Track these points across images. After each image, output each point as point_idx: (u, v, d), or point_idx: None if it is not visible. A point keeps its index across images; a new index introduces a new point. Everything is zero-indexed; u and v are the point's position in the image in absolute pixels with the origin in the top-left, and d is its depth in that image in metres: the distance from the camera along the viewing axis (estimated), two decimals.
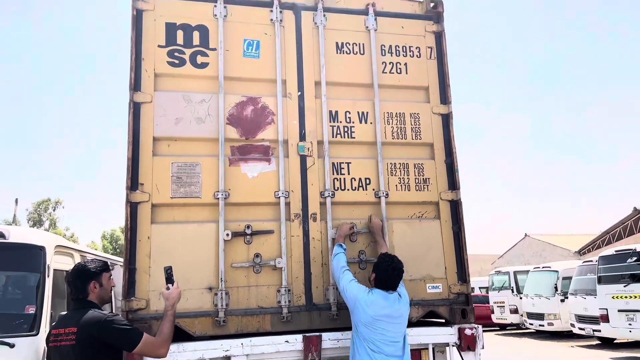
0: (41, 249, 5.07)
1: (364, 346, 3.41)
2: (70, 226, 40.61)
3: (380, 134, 4.14)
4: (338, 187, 3.99)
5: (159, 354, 2.93)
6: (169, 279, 3.21)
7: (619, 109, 73.25)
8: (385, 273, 3.52)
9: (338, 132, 4.09)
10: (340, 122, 4.12)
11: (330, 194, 3.94)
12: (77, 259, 6.02)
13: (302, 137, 4.00)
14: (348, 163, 4.06)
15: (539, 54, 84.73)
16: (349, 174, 4.04)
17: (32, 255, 5.01)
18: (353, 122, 4.14)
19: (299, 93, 4.07)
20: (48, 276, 4.97)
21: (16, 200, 30.29)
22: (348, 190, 4.02)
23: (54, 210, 41.00)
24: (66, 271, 5.69)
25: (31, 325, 4.70)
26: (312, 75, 4.13)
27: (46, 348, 3.11)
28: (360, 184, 4.05)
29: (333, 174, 4.00)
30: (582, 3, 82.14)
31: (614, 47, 75.66)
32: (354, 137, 4.12)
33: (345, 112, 4.14)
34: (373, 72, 4.24)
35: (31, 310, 4.76)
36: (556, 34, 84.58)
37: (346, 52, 4.26)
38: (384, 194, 4.04)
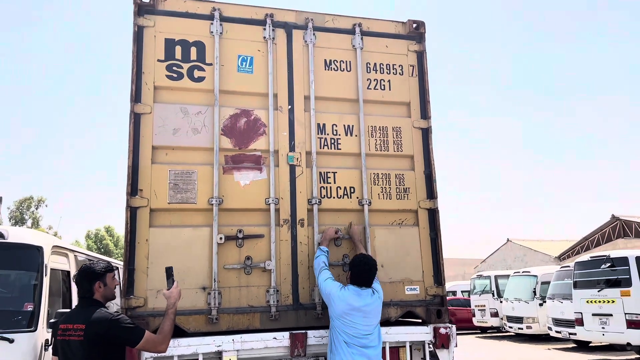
0: (39, 249, 5.27)
1: (339, 338, 3.70)
2: (53, 225, 40.20)
3: (364, 146, 4.44)
4: (324, 195, 4.29)
5: (159, 349, 3.24)
6: (170, 278, 3.47)
7: (599, 116, 74.64)
8: (358, 269, 3.82)
9: (325, 143, 4.39)
10: (328, 134, 4.41)
11: (317, 202, 4.23)
12: (72, 259, 6.24)
13: (292, 148, 4.28)
14: (334, 173, 4.35)
15: (521, 60, 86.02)
16: (334, 182, 4.33)
17: (30, 255, 5.21)
18: (339, 135, 4.43)
19: (290, 107, 4.35)
20: (45, 275, 5.18)
21: (0, 199, 30.06)
22: (334, 198, 4.31)
23: (36, 208, 40.74)
24: (64, 271, 5.90)
25: (29, 322, 4.90)
26: (302, 90, 4.41)
27: (53, 340, 3.39)
28: (345, 193, 4.34)
29: (320, 183, 4.29)
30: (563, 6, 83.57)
31: (595, 55, 77.12)
32: (340, 149, 4.41)
33: (332, 125, 4.44)
34: (359, 88, 4.54)
35: (29, 307, 4.96)
36: (531, 39, 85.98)
37: (334, 68, 4.56)
38: (367, 202, 4.34)
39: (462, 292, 23.40)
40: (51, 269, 5.38)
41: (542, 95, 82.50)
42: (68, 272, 6.01)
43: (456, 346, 4.22)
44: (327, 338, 3.94)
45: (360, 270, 3.82)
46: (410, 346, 4.14)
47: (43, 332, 5.00)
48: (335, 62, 4.58)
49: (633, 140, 72.30)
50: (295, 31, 4.52)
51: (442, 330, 4.15)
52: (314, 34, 4.53)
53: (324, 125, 4.42)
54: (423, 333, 4.16)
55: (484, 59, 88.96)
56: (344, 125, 4.46)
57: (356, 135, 4.46)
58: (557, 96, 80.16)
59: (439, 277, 4.41)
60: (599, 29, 79.59)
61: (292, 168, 4.26)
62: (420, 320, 4.32)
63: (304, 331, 3.89)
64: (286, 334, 3.84)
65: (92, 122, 70.30)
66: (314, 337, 3.91)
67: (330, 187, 4.32)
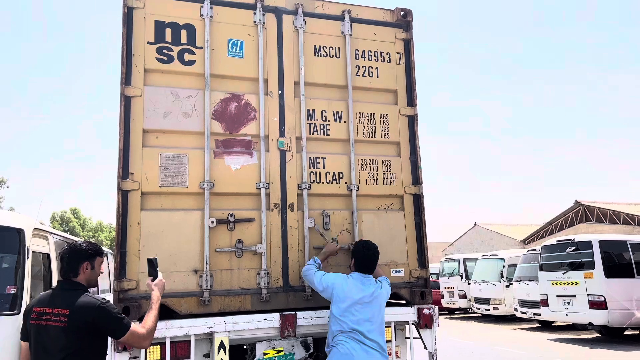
0: (20, 232, 5.21)
1: (344, 330, 3.69)
2: (15, 206, 39.13)
3: (353, 132, 4.52)
4: (314, 180, 4.36)
5: (143, 345, 3.06)
6: (153, 270, 3.40)
7: (566, 100, 76.63)
8: (362, 254, 3.91)
9: (315, 129, 4.45)
10: (317, 120, 4.47)
11: (307, 186, 4.31)
12: (52, 242, 6.16)
13: (282, 133, 4.33)
14: (323, 158, 4.43)
15: (495, 45, 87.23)
16: (324, 168, 4.41)
17: (11, 238, 5.14)
18: (328, 121, 4.50)
19: (280, 92, 4.39)
20: (27, 258, 5.13)
21: None
22: (323, 183, 4.39)
23: None
24: (44, 254, 5.83)
25: (12, 305, 4.86)
26: (291, 75, 4.45)
27: (22, 324, 3.07)
28: (334, 178, 4.43)
29: (309, 168, 4.36)
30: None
31: (562, 40, 78.82)
32: (329, 135, 4.49)
33: (322, 111, 4.50)
34: (348, 74, 4.60)
35: (12, 290, 4.92)
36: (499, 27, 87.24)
37: (323, 55, 4.61)
38: (355, 187, 4.44)
39: (431, 274, 23.93)
40: (32, 251, 5.32)
41: (513, 79, 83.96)
42: (48, 255, 5.95)
43: (438, 326, 4.41)
44: (315, 319, 4.05)
45: (365, 255, 3.90)
46: (395, 326, 4.30)
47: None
48: (324, 48, 4.62)
49: (597, 129, 74.63)
50: (285, 16, 4.53)
51: (426, 311, 4.32)
52: (303, 20, 4.56)
53: (313, 111, 4.47)
54: (407, 314, 4.32)
55: (458, 46, 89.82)
56: (333, 112, 4.53)
57: (345, 122, 4.54)
58: (528, 80, 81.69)
59: (423, 260, 4.57)
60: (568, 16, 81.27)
61: (283, 153, 4.31)
62: (404, 302, 4.47)
63: (293, 312, 3.99)
64: (277, 315, 3.93)
65: (56, 101, 68.21)
66: (303, 318, 4.01)
67: (320, 172, 4.40)
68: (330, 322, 3.82)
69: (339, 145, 4.52)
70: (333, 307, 3.81)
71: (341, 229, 4.38)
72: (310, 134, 4.42)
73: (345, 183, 4.45)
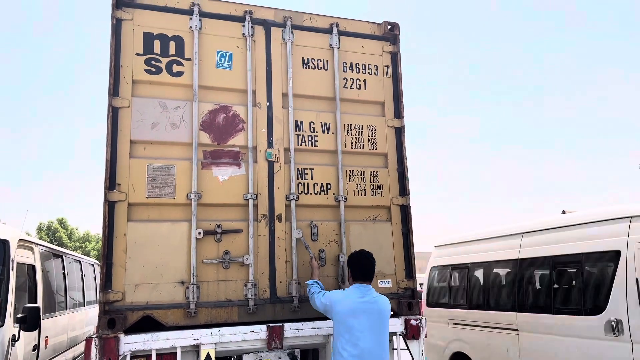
0: (5, 243, 5.17)
1: (346, 342, 3.63)
2: (0, 217, 38.63)
3: (340, 143, 4.55)
4: (302, 191, 4.38)
5: None
6: None
7: (553, 112, 77.54)
8: (359, 261, 3.89)
9: (303, 140, 4.47)
10: (305, 131, 4.50)
11: (295, 197, 4.32)
12: (37, 253, 6.10)
13: (270, 144, 4.35)
14: (311, 169, 4.44)
15: (482, 56, 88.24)
16: (312, 179, 4.43)
17: None
18: (316, 132, 4.53)
19: (268, 103, 4.41)
20: (12, 269, 5.08)
21: None
22: (311, 194, 4.40)
23: None
24: (29, 265, 5.78)
25: None
26: (280, 87, 4.48)
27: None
28: (322, 189, 4.45)
29: (297, 179, 4.38)
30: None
31: (546, 54, 79.92)
32: (317, 146, 4.51)
33: (310, 123, 4.52)
34: (335, 86, 4.64)
35: None
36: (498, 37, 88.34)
37: (311, 67, 4.64)
38: (343, 198, 4.46)
39: (420, 284, 23.95)
40: (17, 262, 5.27)
41: (503, 89, 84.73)
42: (33, 266, 5.89)
43: (426, 337, 4.41)
44: (303, 330, 4.05)
45: (361, 263, 3.87)
46: None
47: (10, 327, 4.91)
48: (312, 60, 4.66)
49: (581, 142, 75.54)
50: (273, 29, 4.57)
51: (413, 322, 4.33)
52: (292, 32, 4.60)
53: (301, 122, 4.50)
54: (395, 325, 4.31)
55: (445, 59, 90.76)
56: (321, 123, 4.56)
57: (333, 133, 4.57)
58: (516, 91, 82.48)
59: (410, 270, 4.58)
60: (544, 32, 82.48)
61: (271, 164, 4.33)
62: (391, 313, 4.47)
63: (281, 324, 3.98)
64: (264, 327, 3.92)
65: (40, 112, 67.80)
66: (290, 329, 4.01)
67: (308, 183, 4.41)
68: (333, 337, 3.77)
69: (326, 156, 4.55)
70: (334, 324, 3.74)
71: (329, 239, 4.39)
72: (298, 145, 4.44)
73: (333, 194, 4.47)
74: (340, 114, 4.60)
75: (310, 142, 4.50)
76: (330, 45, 4.73)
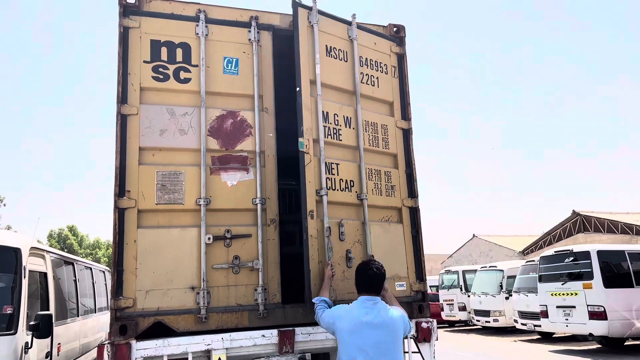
0: (17, 251, 5.20)
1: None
2: (12, 225, 38.88)
3: (362, 139, 4.48)
4: (330, 187, 4.25)
5: None
6: None
7: (565, 115, 77.05)
8: (364, 272, 3.60)
9: (329, 132, 4.36)
10: (330, 123, 4.32)
11: (325, 193, 4.18)
12: (48, 260, 6.15)
13: (300, 134, 4.15)
14: (337, 164, 4.34)
15: (499, 59, 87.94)
16: (337, 174, 4.33)
17: (8, 257, 5.14)
18: (340, 125, 4.43)
19: (298, 89, 4.22)
20: (24, 277, 5.11)
21: None
22: (337, 190, 4.29)
23: None
24: (41, 272, 5.82)
25: (9, 325, 4.84)
26: (307, 74, 4.30)
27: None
28: (347, 186, 4.35)
29: (326, 174, 4.25)
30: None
31: (562, 57, 79.50)
32: (341, 140, 4.41)
33: (334, 115, 4.42)
34: (355, 78, 4.57)
35: (9, 310, 4.89)
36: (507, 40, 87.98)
37: (333, 56, 4.53)
38: (365, 197, 4.40)
39: (430, 287, 23.88)
40: (29, 270, 5.31)
41: (516, 92, 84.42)
42: (45, 274, 5.93)
43: (437, 340, 4.39)
44: (313, 334, 4.03)
45: (365, 275, 3.58)
46: None
47: (23, 335, 4.94)
48: (334, 49, 4.54)
49: (591, 142, 74.99)
50: (280, 34, 4.58)
51: (424, 325, 4.31)
52: (317, 18, 4.48)
53: (327, 113, 4.36)
54: None
55: (463, 62, 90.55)
56: (344, 117, 4.48)
57: (354, 128, 4.51)
58: (529, 94, 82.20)
59: (420, 273, 4.57)
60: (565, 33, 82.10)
61: (302, 155, 4.12)
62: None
63: (291, 328, 3.97)
64: (274, 332, 3.92)
65: (53, 123, 68.39)
66: (301, 334, 4.00)
67: (334, 179, 4.29)
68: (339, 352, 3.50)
69: (349, 152, 4.45)
70: (337, 343, 3.51)
71: (353, 240, 4.29)
72: (325, 137, 4.31)
73: (356, 192, 4.38)
74: (360, 109, 4.55)
75: (335, 136, 4.41)
76: (349, 36, 4.68)
